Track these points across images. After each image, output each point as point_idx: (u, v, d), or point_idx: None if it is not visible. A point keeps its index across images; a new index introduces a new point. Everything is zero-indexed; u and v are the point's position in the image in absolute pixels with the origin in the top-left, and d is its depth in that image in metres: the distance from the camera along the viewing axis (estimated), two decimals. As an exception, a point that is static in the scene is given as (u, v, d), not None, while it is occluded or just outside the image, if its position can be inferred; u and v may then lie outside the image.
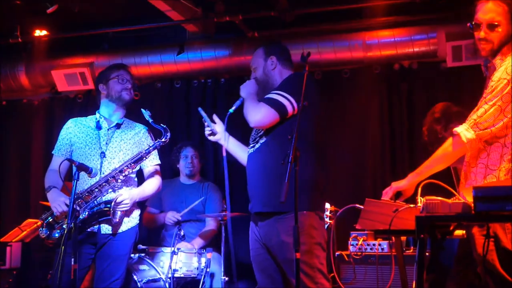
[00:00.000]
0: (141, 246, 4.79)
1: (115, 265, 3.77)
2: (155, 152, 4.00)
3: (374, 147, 5.60)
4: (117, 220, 3.75)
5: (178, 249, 4.68)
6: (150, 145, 3.92)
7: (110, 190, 3.77)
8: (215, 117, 3.55)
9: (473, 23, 2.83)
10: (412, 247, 4.41)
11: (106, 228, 3.77)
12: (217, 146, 5.98)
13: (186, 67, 5.92)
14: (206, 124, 3.52)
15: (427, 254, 2.58)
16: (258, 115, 3.17)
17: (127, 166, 3.80)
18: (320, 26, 5.67)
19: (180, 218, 5.01)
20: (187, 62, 5.88)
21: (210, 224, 5.23)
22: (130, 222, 3.89)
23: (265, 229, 3.24)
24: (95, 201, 3.73)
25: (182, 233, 4.72)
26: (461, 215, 2.43)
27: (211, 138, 3.55)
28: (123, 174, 3.79)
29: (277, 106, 3.15)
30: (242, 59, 5.76)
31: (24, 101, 6.65)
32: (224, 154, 3.43)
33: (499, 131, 2.78)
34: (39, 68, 6.21)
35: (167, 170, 5.54)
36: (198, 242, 5.03)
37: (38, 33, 5.92)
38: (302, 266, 3.02)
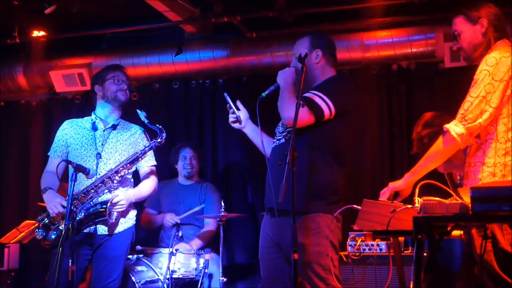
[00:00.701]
0: (139, 247, 4.78)
1: (112, 266, 3.77)
2: (151, 153, 4.00)
3: (372, 147, 5.59)
4: (113, 220, 3.74)
5: (176, 250, 4.67)
6: (146, 145, 3.92)
7: (106, 191, 3.77)
8: (239, 104, 3.44)
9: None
10: (410, 247, 4.40)
11: (102, 229, 3.77)
12: (216, 146, 6.03)
13: (184, 68, 5.91)
14: (231, 110, 3.41)
15: (425, 254, 2.58)
16: (293, 113, 3.02)
17: (122, 167, 3.80)
18: (319, 27, 5.66)
19: (178, 221, 5.01)
20: (185, 63, 5.87)
21: (209, 225, 5.23)
22: (127, 222, 3.89)
23: (279, 227, 3.15)
24: (91, 202, 3.73)
25: (180, 234, 4.72)
26: (458, 215, 2.43)
27: (235, 125, 3.43)
28: (119, 175, 3.78)
29: (314, 108, 3.04)
30: (240, 60, 5.76)
31: (22, 102, 6.64)
32: (261, 138, 3.27)
33: (489, 126, 2.82)
34: (37, 69, 6.20)
35: (166, 171, 5.54)
36: (197, 243, 5.03)
37: (36, 33, 5.90)
38: (315, 267, 3.01)
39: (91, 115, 4.00)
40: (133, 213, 3.95)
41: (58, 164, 3.71)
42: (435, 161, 2.92)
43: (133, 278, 4.53)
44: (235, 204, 5.70)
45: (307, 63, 3.17)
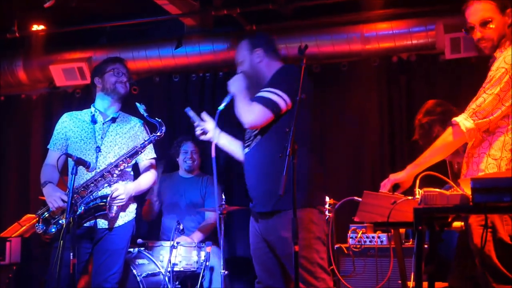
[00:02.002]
0: (140, 241, 4.78)
1: (113, 259, 3.78)
2: (150, 146, 3.99)
3: (373, 139, 5.60)
4: (113, 214, 3.74)
5: (177, 243, 4.68)
6: (146, 139, 3.91)
7: (105, 184, 3.76)
8: (204, 115, 3.47)
9: (467, 27, 2.91)
10: (411, 239, 4.41)
11: (102, 223, 3.77)
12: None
13: (184, 61, 5.91)
14: (196, 123, 3.44)
15: (425, 246, 2.58)
16: (252, 116, 3.11)
17: (122, 160, 3.79)
18: (318, 19, 5.66)
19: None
20: (185, 56, 5.87)
21: (210, 217, 5.23)
22: (127, 216, 3.89)
23: (264, 224, 3.22)
24: (91, 196, 3.72)
25: (181, 227, 4.72)
26: (459, 206, 2.43)
27: (203, 137, 3.47)
28: (119, 169, 3.78)
29: (270, 104, 3.08)
30: (240, 53, 5.75)
31: (23, 96, 6.65)
32: (214, 155, 3.31)
33: (501, 121, 2.80)
34: (37, 63, 6.20)
35: (167, 164, 5.54)
36: (198, 236, 5.04)
37: (36, 28, 5.89)
38: (302, 262, 3.01)
39: (90, 107, 3.99)
40: (133, 207, 3.95)
41: (59, 158, 3.71)
42: (441, 154, 2.91)
43: (134, 271, 4.53)
44: (236, 196, 5.70)
45: (252, 65, 3.28)
